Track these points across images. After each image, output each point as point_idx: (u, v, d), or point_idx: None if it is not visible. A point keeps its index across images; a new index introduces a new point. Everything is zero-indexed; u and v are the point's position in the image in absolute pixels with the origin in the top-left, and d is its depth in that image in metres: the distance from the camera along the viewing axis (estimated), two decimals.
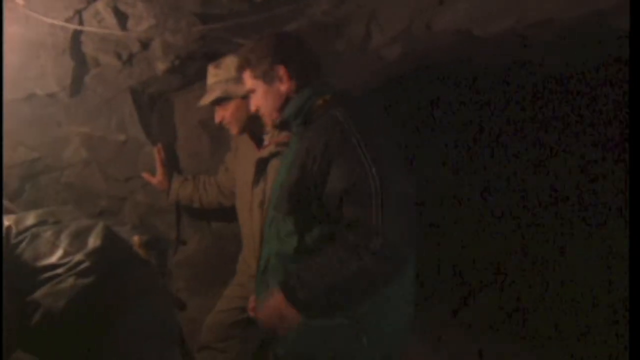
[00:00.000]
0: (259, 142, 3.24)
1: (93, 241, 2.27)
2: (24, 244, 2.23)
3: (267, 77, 2.52)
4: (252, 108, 2.63)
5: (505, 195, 5.97)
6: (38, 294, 2.14)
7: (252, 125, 3.15)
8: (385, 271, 2.22)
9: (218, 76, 3.10)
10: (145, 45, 3.31)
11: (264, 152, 3.12)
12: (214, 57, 3.45)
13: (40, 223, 2.33)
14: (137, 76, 3.43)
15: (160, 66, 3.37)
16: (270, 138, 3.16)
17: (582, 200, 5.63)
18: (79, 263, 2.18)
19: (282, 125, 2.60)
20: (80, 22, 3.11)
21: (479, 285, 5.24)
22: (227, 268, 3.55)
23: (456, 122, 6.03)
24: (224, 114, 3.13)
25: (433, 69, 4.57)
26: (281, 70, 2.49)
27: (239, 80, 2.84)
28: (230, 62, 3.09)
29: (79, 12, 3.07)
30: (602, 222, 5.40)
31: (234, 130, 3.19)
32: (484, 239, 5.67)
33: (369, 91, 4.00)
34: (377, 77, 4.10)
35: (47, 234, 2.27)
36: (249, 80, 2.59)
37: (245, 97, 2.88)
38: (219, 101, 3.15)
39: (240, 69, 2.61)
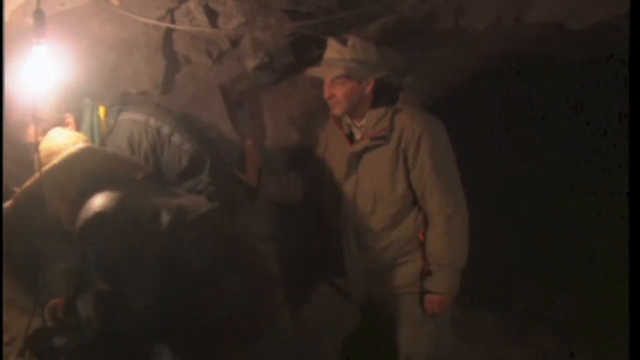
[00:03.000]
0: (350, 137, 3.22)
1: None
2: None
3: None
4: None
5: (596, 193, 5.75)
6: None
7: (355, 110, 3.13)
8: None
9: (342, 53, 3.03)
10: (235, 42, 3.32)
11: (358, 146, 3.14)
12: (302, 53, 3.45)
13: None
14: (227, 73, 3.46)
15: (250, 63, 3.37)
16: (364, 132, 3.14)
17: None
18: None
19: None
20: (172, 21, 3.14)
21: (567, 285, 5.09)
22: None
23: (547, 119, 5.86)
24: (335, 92, 3.07)
25: (523, 64, 4.45)
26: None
27: (365, 64, 3.00)
28: (358, 43, 3.04)
29: (171, 11, 3.10)
30: None
31: (338, 110, 3.12)
32: (574, 237, 5.49)
33: (456, 89, 3.93)
34: (466, 73, 4.01)
35: None
36: None
37: (362, 81, 3.04)
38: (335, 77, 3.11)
39: None
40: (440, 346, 3.19)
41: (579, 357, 4.25)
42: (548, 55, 4.36)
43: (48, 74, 2.52)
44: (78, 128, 2.82)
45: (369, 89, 3.07)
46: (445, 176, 3.08)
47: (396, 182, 3.09)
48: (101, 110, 2.87)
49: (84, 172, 2.53)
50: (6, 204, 2.56)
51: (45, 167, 2.50)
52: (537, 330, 4.57)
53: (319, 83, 3.54)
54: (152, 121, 2.84)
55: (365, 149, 3.12)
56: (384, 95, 3.13)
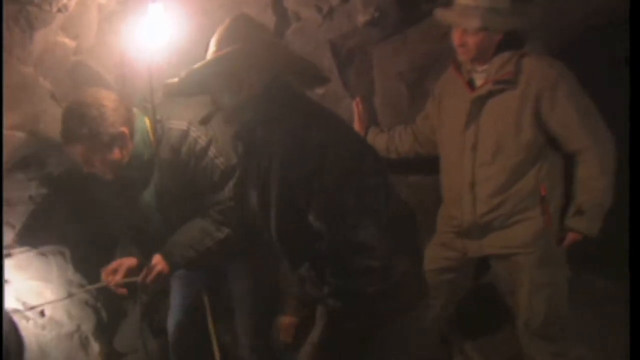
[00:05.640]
0: (470, 84, 3.12)
1: None
2: None
3: None
4: None
5: None
6: None
7: (479, 55, 3.01)
8: None
9: (477, 0, 2.91)
10: None
11: (481, 91, 3.04)
12: (412, 8, 3.37)
13: None
14: (337, 29, 3.41)
15: (360, 18, 3.32)
16: (487, 77, 3.03)
17: None
18: None
19: None
20: None
21: None
22: (425, 222, 3.49)
23: None
24: (466, 40, 2.96)
25: None
26: None
27: (500, 12, 2.89)
28: None
29: None
30: None
31: (467, 57, 3.02)
32: None
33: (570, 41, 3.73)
34: (583, 24, 3.78)
35: None
36: None
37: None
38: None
39: None
40: (556, 311, 3.14)
41: None
42: None
43: (163, 32, 2.56)
44: (131, 139, 2.75)
45: (499, 37, 2.96)
46: (591, 117, 2.98)
47: (522, 129, 2.99)
48: (146, 121, 2.81)
49: (267, 66, 2.34)
50: (170, 80, 2.48)
51: (223, 50, 2.29)
52: None
53: (429, 38, 3.47)
54: (192, 131, 2.77)
55: (489, 94, 3.02)
56: (509, 39, 3.00)
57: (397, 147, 3.46)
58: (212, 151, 2.77)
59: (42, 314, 3.14)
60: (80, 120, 2.63)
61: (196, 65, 2.32)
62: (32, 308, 3.10)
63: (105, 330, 3.38)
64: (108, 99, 2.70)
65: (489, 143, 3.04)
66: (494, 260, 3.23)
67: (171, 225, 2.89)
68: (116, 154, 2.71)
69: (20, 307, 3.07)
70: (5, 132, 2.76)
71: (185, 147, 2.76)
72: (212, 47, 2.34)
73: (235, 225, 2.83)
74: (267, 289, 3.02)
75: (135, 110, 2.81)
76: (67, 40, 2.85)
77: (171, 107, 2.80)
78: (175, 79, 2.41)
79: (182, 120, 2.78)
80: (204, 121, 2.57)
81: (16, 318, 3.06)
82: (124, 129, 2.70)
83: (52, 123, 2.88)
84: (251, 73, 2.30)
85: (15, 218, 2.98)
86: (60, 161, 3.04)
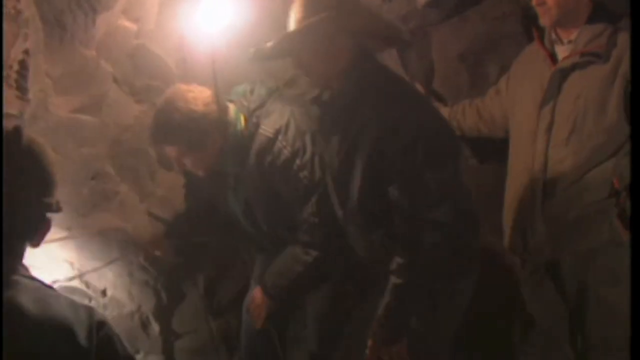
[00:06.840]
0: (553, 57, 2.91)
1: None
2: None
3: None
4: None
5: None
6: None
7: (566, 20, 2.82)
8: None
9: None
10: None
11: (565, 63, 2.84)
12: None
13: None
14: (396, 11, 3.37)
15: (420, 0, 3.28)
16: (574, 48, 2.83)
17: None
18: None
19: None
20: None
21: None
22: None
23: None
24: None
25: None
26: None
27: None
28: None
29: None
30: None
31: (547, 20, 2.82)
32: None
33: None
34: None
35: None
36: None
37: None
38: None
39: None
40: (616, 333, 2.76)
41: None
42: None
43: (224, 14, 2.56)
44: (225, 138, 2.74)
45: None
46: None
47: (605, 109, 2.74)
48: (242, 118, 2.77)
49: (355, 31, 2.39)
50: (259, 46, 2.49)
51: (313, 18, 2.30)
52: None
53: (489, 19, 3.41)
54: (278, 141, 2.71)
55: (573, 67, 2.81)
56: (603, 13, 2.81)
57: (460, 123, 3.30)
58: (296, 164, 2.71)
59: (104, 293, 3.19)
60: (169, 127, 2.65)
61: (287, 33, 2.38)
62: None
63: (165, 310, 3.42)
64: (199, 102, 2.67)
65: (566, 122, 2.80)
66: (565, 268, 2.94)
67: (263, 235, 2.96)
68: (208, 156, 2.74)
69: (83, 287, 3.12)
70: (68, 114, 2.81)
71: (270, 156, 2.72)
72: (296, 13, 2.38)
73: (323, 245, 2.77)
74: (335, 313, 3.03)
75: (231, 107, 2.78)
76: (128, 24, 2.87)
77: (269, 111, 2.78)
78: (268, 44, 2.43)
79: (272, 127, 2.74)
80: (289, 84, 2.59)
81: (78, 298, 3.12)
82: (215, 134, 2.69)
83: (113, 106, 2.92)
84: (340, 39, 2.37)
85: (77, 199, 3.02)
86: (121, 142, 3.07)
